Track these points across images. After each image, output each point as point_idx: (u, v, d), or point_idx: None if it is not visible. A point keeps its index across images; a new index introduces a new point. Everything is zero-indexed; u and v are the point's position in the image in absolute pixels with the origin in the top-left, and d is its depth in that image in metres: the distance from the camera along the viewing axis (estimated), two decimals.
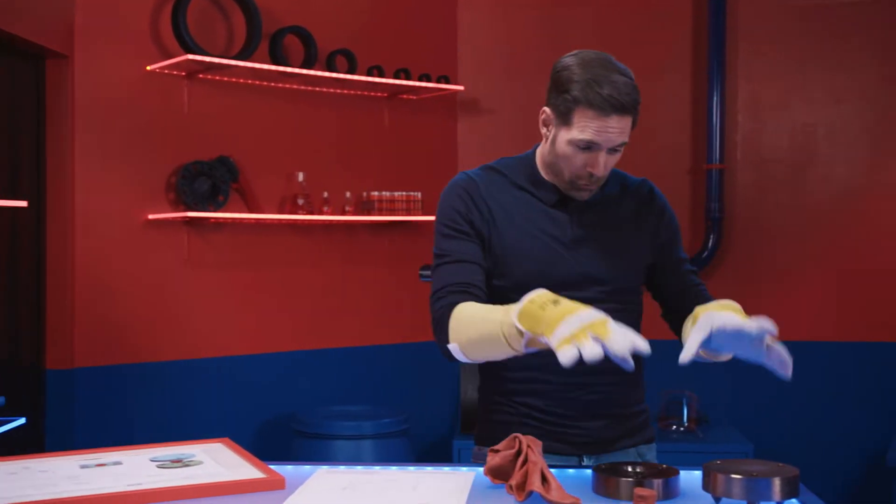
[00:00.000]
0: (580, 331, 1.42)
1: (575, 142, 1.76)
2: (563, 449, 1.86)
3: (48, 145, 3.54)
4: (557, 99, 1.77)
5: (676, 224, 1.99)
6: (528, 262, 1.83)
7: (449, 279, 1.81)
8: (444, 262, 1.85)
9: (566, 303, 1.49)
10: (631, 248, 1.90)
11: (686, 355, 1.53)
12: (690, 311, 1.78)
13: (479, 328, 1.64)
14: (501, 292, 1.84)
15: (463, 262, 1.83)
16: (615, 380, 1.81)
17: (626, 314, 1.87)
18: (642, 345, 1.43)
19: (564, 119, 1.76)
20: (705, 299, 1.85)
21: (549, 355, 1.68)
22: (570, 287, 1.80)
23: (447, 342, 1.75)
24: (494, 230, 1.85)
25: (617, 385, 1.87)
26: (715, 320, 1.55)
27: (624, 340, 1.40)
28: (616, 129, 1.74)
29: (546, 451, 1.80)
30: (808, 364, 4.33)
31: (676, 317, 1.89)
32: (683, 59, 4.49)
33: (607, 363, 1.78)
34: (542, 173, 1.88)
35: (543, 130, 1.84)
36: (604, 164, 1.77)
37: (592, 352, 1.39)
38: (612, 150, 1.77)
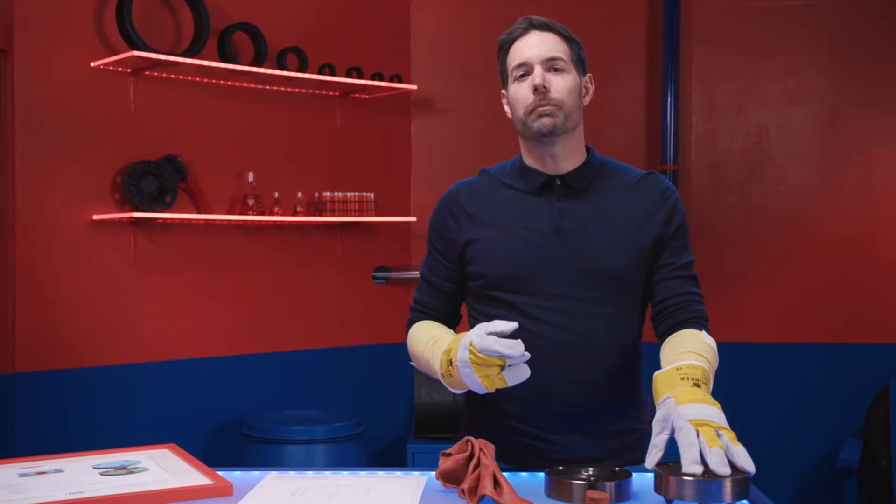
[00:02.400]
0: (480, 373, 1.58)
1: (514, 75, 1.83)
2: (538, 464, 1.79)
3: None
4: (499, 66, 1.89)
5: (683, 221, 1.89)
6: (510, 259, 1.81)
7: (420, 296, 1.97)
8: (423, 278, 1.97)
9: (451, 350, 1.64)
10: (628, 239, 1.81)
11: (651, 462, 1.46)
12: (672, 322, 1.81)
13: (424, 363, 1.81)
14: (490, 292, 1.84)
15: (433, 285, 1.94)
16: (604, 394, 1.79)
17: (621, 321, 1.82)
18: (504, 327, 1.55)
19: (505, 72, 1.87)
20: (686, 314, 1.81)
21: (533, 354, 1.69)
22: (557, 282, 1.78)
23: (410, 361, 1.91)
24: (473, 232, 1.85)
25: (605, 400, 1.81)
26: (676, 432, 1.46)
27: (488, 342, 1.54)
28: (538, 41, 1.80)
29: (522, 466, 1.79)
30: (760, 365, 4.41)
31: (660, 325, 1.84)
32: (638, 60, 4.55)
33: (588, 375, 1.78)
34: (526, 160, 1.87)
35: (507, 110, 1.89)
36: (542, 76, 1.77)
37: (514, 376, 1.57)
38: (552, 70, 1.79)
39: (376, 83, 4.20)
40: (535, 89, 1.77)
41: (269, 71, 3.89)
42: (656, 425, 1.50)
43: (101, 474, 1.66)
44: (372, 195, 4.19)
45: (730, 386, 4.37)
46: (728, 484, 1.36)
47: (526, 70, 1.79)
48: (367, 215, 4.16)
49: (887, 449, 3.85)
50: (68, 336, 3.54)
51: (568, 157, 1.83)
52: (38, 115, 3.47)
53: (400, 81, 4.30)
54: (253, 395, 4.01)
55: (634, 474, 1.57)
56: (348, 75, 4.17)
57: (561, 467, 1.57)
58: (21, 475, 1.65)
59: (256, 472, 1.72)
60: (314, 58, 4.10)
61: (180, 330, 3.84)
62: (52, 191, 3.50)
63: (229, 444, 3.87)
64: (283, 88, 4.10)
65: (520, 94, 1.80)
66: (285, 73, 3.94)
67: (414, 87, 4.38)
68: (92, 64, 3.57)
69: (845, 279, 4.37)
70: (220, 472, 1.67)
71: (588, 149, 1.90)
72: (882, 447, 3.88)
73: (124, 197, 3.63)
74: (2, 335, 3.44)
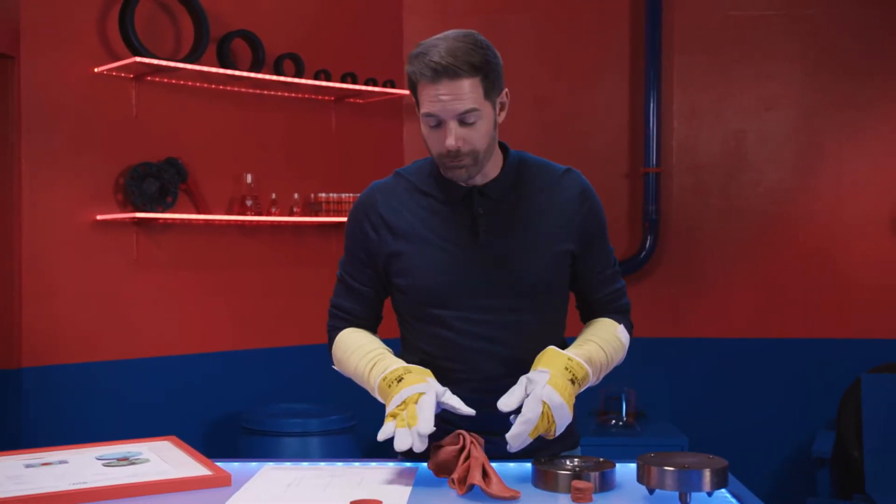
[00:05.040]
0: (397, 408, 1.60)
1: (423, 119, 1.70)
2: None
3: None
4: (408, 85, 1.74)
5: (602, 221, 1.86)
6: (433, 276, 1.77)
7: (340, 301, 1.91)
8: (340, 280, 1.92)
9: (407, 378, 1.65)
10: (547, 245, 1.78)
11: (503, 406, 1.62)
12: (596, 313, 1.89)
13: (351, 371, 1.83)
14: (415, 305, 1.82)
15: (351, 290, 1.89)
16: None
17: (546, 325, 1.84)
18: (424, 430, 1.54)
19: (416, 99, 1.73)
20: (611, 307, 1.89)
21: (462, 365, 1.78)
22: (480, 294, 1.77)
23: (332, 364, 1.92)
24: (395, 245, 1.80)
25: None
26: (531, 394, 1.61)
27: (425, 423, 1.55)
28: (449, 95, 1.64)
29: None
30: (738, 360, 4.49)
31: (585, 314, 1.93)
32: (621, 66, 4.59)
33: (510, 371, 1.79)
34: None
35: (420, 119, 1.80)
36: (455, 135, 1.66)
37: (387, 430, 1.58)
38: (464, 122, 1.66)
39: (370, 88, 4.24)
40: (449, 150, 1.67)
41: (267, 76, 3.93)
42: (524, 384, 1.62)
43: (104, 465, 1.67)
44: None
45: (709, 380, 4.52)
46: (707, 474, 1.40)
47: (437, 121, 1.67)
48: None
49: (858, 440, 3.91)
50: (72, 332, 3.58)
51: (484, 173, 1.78)
52: (44, 119, 3.51)
53: (393, 87, 4.33)
54: (250, 389, 4.04)
55: (618, 465, 1.60)
56: (343, 81, 4.19)
57: (545, 458, 1.60)
58: (27, 466, 1.66)
59: (254, 464, 1.73)
60: (310, 64, 4.14)
61: (180, 326, 3.87)
62: (57, 192, 3.54)
63: (227, 436, 3.90)
64: (279, 93, 4.13)
65: (432, 138, 1.70)
66: (282, 78, 3.97)
67: (406, 92, 4.38)
68: (95, 69, 3.62)
69: (819, 277, 4.43)
70: (218, 464, 1.68)
71: (504, 149, 1.83)
72: (854, 438, 3.94)
73: (126, 198, 3.67)
74: (8, 331, 3.48)
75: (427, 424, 1.54)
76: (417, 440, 1.54)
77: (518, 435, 1.57)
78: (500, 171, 1.80)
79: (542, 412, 1.59)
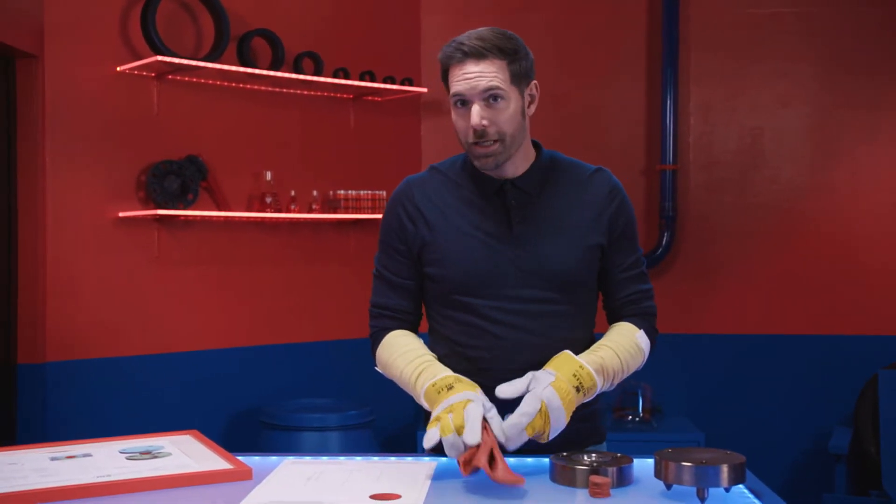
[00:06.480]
0: (443, 412, 1.61)
1: (452, 102, 1.77)
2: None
3: (19, 145, 3.55)
4: (441, 75, 1.82)
5: (630, 219, 1.89)
6: (466, 264, 1.80)
7: (382, 299, 1.92)
8: (379, 277, 1.93)
9: (457, 387, 1.66)
10: (577, 239, 1.82)
11: (501, 392, 1.67)
12: (620, 314, 1.90)
13: (396, 375, 1.84)
14: (446, 294, 1.85)
15: (393, 285, 1.90)
16: None
17: (576, 317, 1.86)
18: (471, 441, 1.54)
19: (447, 87, 1.79)
20: (635, 309, 1.90)
21: (491, 354, 1.80)
22: (511, 284, 1.80)
23: (375, 364, 1.93)
24: (430, 235, 1.83)
25: None
26: (533, 392, 1.64)
27: (472, 433, 1.55)
28: (474, 73, 1.72)
29: None
30: (754, 356, 4.50)
31: (611, 315, 1.94)
32: (638, 64, 4.60)
33: (538, 361, 1.80)
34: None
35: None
36: (479, 114, 1.72)
37: (433, 436, 1.58)
38: (488, 101, 1.73)
39: (388, 86, 4.26)
40: (475, 129, 1.74)
41: (286, 75, 3.96)
42: (528, 379, 1.66)
43: (128, 458, 1.69)
44: (384, 193, 4.24)
45: (725, 376, 4.53)
46: (725, 469, 1.41)
47: (463, 100, 1.75)
48: (379, 212, 4.19)
49: (875, 436, 3.92)
50: (95, 327, 3.62)
51: (516, 167, 1.83)
52: (67, 118, 3.55)
53: (411, 84, 4.36)
54: (270, 384, 4.07)
55: (635, 460, 1.61)
56: (361, 79, 4.22)
57: (564, 453, 1.61)
58: (52, 459, 1.68)
59: (274, 458, 1.75)
60: (329, 62, 4.17)
61: (201, 322, 3.91)
62: (80, 189, 3.58)
63: (247, 430, 3.93)
64: (299, 91, 4.16)
65: (459, 123, 1.77)
66: (301, 76, 4.00)
67: (424, 90, 4.43)
68: (117, 69, 3.65)
69: (836, 274, 4.43)
70: (239, 458, 1.70)
71: (537, 146, 1.88)
72: (870, 434, 3.95)
73: (148, 195, 3.70)
74: (33, 326, 3.52)
75: (475, 435, 1.54)
76: (462, 447, 1.56)
77: (514, 425, 1.58)
78: (532, 166, 1.85)
79: (540, 410, 1.61)
